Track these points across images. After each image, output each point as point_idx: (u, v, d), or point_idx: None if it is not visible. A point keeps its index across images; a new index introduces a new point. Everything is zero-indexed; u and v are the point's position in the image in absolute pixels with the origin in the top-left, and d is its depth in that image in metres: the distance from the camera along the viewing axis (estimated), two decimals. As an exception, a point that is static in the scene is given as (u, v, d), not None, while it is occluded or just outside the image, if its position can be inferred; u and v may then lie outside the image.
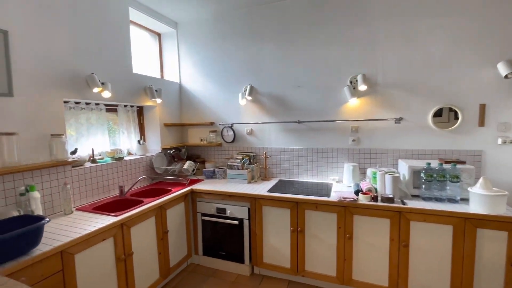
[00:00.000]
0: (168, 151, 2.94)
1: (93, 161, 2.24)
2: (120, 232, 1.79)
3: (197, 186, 2.57)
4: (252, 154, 2.87)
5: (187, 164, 2.76)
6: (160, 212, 2.17)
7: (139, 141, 2.76)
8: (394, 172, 2.10)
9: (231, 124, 2.99)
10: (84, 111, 2.28)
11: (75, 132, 2.22)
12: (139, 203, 2.12)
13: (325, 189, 2.36)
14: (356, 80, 2.45)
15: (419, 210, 1.82)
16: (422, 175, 1.97)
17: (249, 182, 2.66)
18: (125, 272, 1.83)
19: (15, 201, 1.67)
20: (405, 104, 2.35)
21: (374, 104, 2.45)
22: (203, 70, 3.11)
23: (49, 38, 1.84)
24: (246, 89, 2.84)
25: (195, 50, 3.13)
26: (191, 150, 3.26)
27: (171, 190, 2.45)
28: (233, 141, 3.00)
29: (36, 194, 1.69)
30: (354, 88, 2.47)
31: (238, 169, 2.66)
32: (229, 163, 2.72)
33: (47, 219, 1.39)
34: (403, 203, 1.90)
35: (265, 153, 2.81)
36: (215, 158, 3.14)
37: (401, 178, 2.09)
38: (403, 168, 2.14)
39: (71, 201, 1.92)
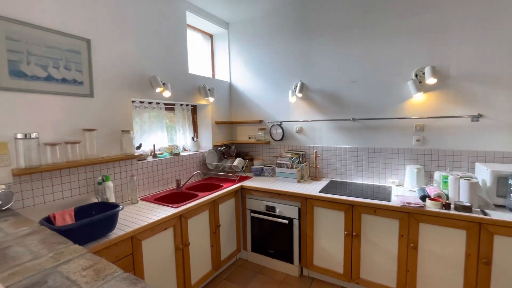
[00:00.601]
0: (219, 148, 3.04)
1: (154, 155, 2.43)
2: (179, 223, 1.91)
3: (246, 183, 2.61)
4: (301, 152, 2.80)
5: (237, 161, 2.82)
6: (213, 206, 2.25)
7: (193, 138, 2.92)
8: (471, 177, 1.82)
9: (280, 122, 2.96)
10: (146, 110, 2.48)
11: (139, 129, 2.43)
12: (194, 196, 2.23)
13: (383, 193, 2.18)
14: (423, 73, 2.20)
15: (507, 223, 1.54)
16: (510, 181, 1.67)
17: (299, 182, 2.60)
18: (182, 261, 1.94)
19: (94, 189, 1.89)
20: (486, 99, 2.03)
21: (445, 99, 2.17)
22: (253, 69, 3.14)
23: (121, 45, 2.04)
24: (296, 86, 2.78)
25: (246, 49, 3.17)
26: (239, 147, 3.32)
27: (222, 186, 2.53)
28: (281, 139, 2.96)
29: (110, 184, 1.89)
30: (420, 82, 2.22)
31: (287, 167, 2.62)
32: (278, 161, 2.70)
33: (121, 206, 1.55)
34: (484, 214, 1.64)
35: (316, 152, 2.71)
36: (263, 156, 3.15)
37: (481, 184, 1.81)
38: (483, 173, 1.85)
39: (137, 192, 2.11)
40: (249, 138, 3.20)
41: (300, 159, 2.75)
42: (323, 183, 2.54)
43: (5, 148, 1.47)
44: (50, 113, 1.65)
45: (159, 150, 2.59)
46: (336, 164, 2.69)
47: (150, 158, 2.38)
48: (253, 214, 2.55)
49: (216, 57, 3.42)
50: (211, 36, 3.39)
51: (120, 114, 2.06)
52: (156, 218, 1.74)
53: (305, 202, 2.25)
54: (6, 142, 1.47)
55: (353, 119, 2.54)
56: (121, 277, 0.71)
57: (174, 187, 2.51)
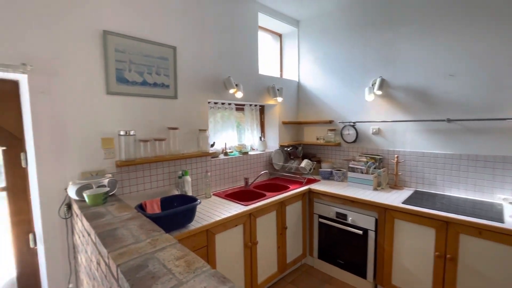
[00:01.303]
0: (285, 149, 3.00)
1: (226, 154, 2.55)
2: (248, 221, 1.94)
3: (314, 186, 2.49)
4: (378, 157, 2.52)
5: (305, 163, 2.72)
6: (280, 208, 2.22)
7: (260, 138, 2.95)
8: None
9: (353, 123, 2.73)
10: (219, 110, 2.62)
11: (213, 128, 2.59)
12: (262, 196, 2.24)
13: (490, 211, 1.76)
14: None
15: None
16: None
17: (375, 189, 2.34)
18: (250, 259, 1.97)
19: (175, 182, 2.09)
20: None
21: None
22: (324, 66, 2.99)
23: (200, 49, 2.19)
24: (375, 83, 2.51)
25: (316, 46, 3.04)
26: (306, 148, 3.22)
27: (289, 187, 2.48)
28: (354, 141, 2.73)
29: (188, 178, 2.05)
30: (552, 72, 1.72)
31: (362, 172, 2.39)
32: (350, 165, 2.49)
33: (199, 200, 1.65)
34: None
35: (397, 157, 2.40)
36: (333, 159, 2.97)
37: None
38: None
39: (210, 187, 2.24)
40: (317, 139, 3.06)
41: (377, 164, 2.48)
42: (405, 193, 2.23)
43: (112, 143, 1.74)
44: (143, 113, 1.89)
45: (230, 149, 2.71)
46: (422, 172, 2.32)
47: (221, 156, 2.50)
48: (321, 220, 2.41)
49: (284, 56, 3.39)
50: (280, 35, 3.37)
51: (198, 114, 2.22)
52: (228, 214, 1.81)
53: (384, 213, 2.00)
54: (112, 138, 1.74)
55: (448, 120, 2.14)
56: (209, 273, 0.73)
57: (243, 185, 2.58)
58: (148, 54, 1.88)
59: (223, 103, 2.62)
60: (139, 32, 1.82)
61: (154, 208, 1.68)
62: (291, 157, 2.99)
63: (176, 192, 2.01)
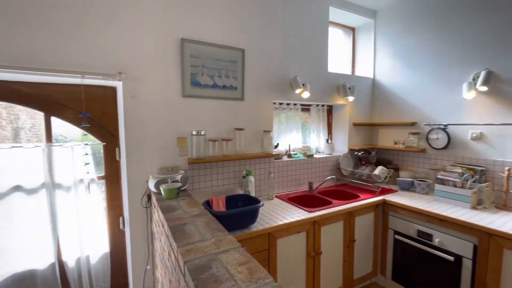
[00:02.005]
0: (355, 153, 2.73)
1: (289, 155, 2.48)
2: (312, 229, 1.82)
3: (390, 197, 2.18)
4: (480, 168, 2.03)
5: (379, 170, 2.42)
6: (348, 218, 2.02)
7: (327, 140, 2.77)
8: None
9: (445, 125, 2.28)
10: (284, 111, 2.57)
11: (277, 129, 2.55)
12: (328, 203, 2.08)
13: None
14: None
15: None
16: None
17: (474, 208, 1.89)
18: (313, 269, 1.85)
19: (239, 182, 2.13)
20: None
21: None
22: (406, 60, 2.60)
23: (267, 50, 2.18)
24: (477, 77, 2.04)
25: (397, 38, 2.67)
26: (381, 153, 2.86)
27: (359, 196, 2.24)
28: (445, 147, 2.28)
29: (252, 179, 2.06)
30: None
31: (455, 186, 1.97)
32: (439, 176, 2.08)
33: (262, 202, 1.63)
34: None
35: (509, 170, 1.88)
36: (415, 167, 2.55)
37: None
38: None
39: (273, 189, 2.21)
40: (395, 143, 2.68)
41: (478, 177, 2.00)
42: (520, 217, 1.73)
43: (185, 142, 1.89)
44: (212, 114, 1.98)
45: (294, 151, 2.62)
46: (549, 191, 1.76)
47: (285, 158, 2.44)
48: (397, 236, 2.09)
49: (357, 52, 3.10)
50: (353, 29, 3.10)
51: (263, 115, 2.21)
52: (291, 219, 1.73)
53: (488, 240, 1.59)
54: (185, 137, 1.89)
55: None
56: (272, 286, 0.67)
57: (306, 189, 2.46)
58: (219, 58, 1.97)
59: (288, 104, 2.56)
60: (211, 38, 1.92)
61: (220, 205, 1.74)
62: (362, 162, 2.71)
63: (240, 192, 2.04)
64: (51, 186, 1.66)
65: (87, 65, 1.55)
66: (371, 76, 2.94)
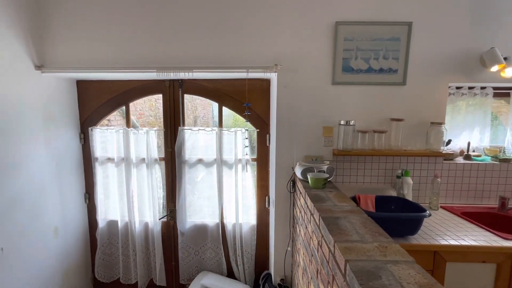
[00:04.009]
0: None
1: (467, 157, 1.86)
2: (509, 264, 1.28)
3: None
4: None
5: None
6: None
7: (539, 140, 1.87)
8: None
9: None
10: (464, 98, 1.93)
11: (450, 121, 1.96)
12: (540, 233, 1.39)
13: None
14: None
15: None
16: None
17: None
18: (503, 320, 1.31)
19: (391, 181, 1.82)
20: None
21: None
22: None
23: (444, 19, 1.68)
24: None
25: None
26: None
27: None
28: None
29: (409, 180, 1.70)
30: None
31: None
32: None
33: (428, 212, 1.30)
34: None
35: None
36: None
37: None
38: None
39: (438, 197, 1.74)
40: None
41: None
42: None
43: (331, 131, 1.80)
44: (364, 102, 1.77)
45: (475, 151, 1.95)
46: None
47: (459, 159, 1.86)
48: None
49: None
50: None
51: (432, 103, 1.76)
52: (472, 242, 1.28)
53: None
54: (332, 127, 1.80)
55: None
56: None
57: (494, 206, 1.77)
58: (377, 38, 1.71)
59: (471, 88, 1.90)
60: (368, 15, 1.69)
61: (368, 205, 1.55)
62: None
63: (393, 193, 1.74)
64: (220, 162, 2.06)
65: (250, 61, 1.76)
66: None
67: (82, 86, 2.09)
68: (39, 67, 1.75)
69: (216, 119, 2.14)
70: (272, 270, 2.02)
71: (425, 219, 1.55)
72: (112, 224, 2.18)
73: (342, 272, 0.74)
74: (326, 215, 1.03)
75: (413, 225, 1.29)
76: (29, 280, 1.71)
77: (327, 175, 1.45)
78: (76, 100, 2.09)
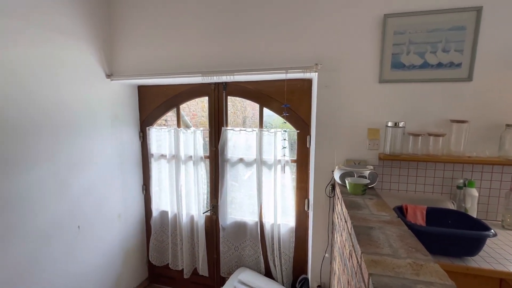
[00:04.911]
0: None
1: (559, 168, 1.50)
2: None
3: None
4: None
5: None
6: None
7: None
8: None
9: None
10: (557, 94, 1.56)
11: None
12: None
13: None
14: None
15: None
16: None
17: None
18: None
19: (450, 192, 1.59)
20: None
21: None
22: None
23: (531, -3, 1.38)
24: None
25: None
26: None
27: None
28: None
29: (474, 192, 1.46)
30: None
31: None
32: None
33: (493, 232, 1.10)
34: None
35: None
36: None
37: None
38: None
39: (514, 215, 1.44)
40: None
41: None
42: None
43: (377, 134, 1.66)
44: (417, 101, 1.58)
45: None
46: None
47: (548, 171, 1.51)
48: None
49: None
50: None
51: (507, 102, 1.47)
52: (556, 275, 1.03)
53: None
54: (378, 129, 1.66)
55: None
56: None
57: None
58: (435, 29, 1.51)
59: None
60: (422, 4, 1.51)
61: (417, 216, 1.39)
62: None
63: (451, 206, 1.52)
64: (260, 162, 2.09)
65: (290, 61, 1.74)
66: None
67: (142, 91, 2.38)
68: (109, 75, 2.06)
69: (265, 119, 2.18)
70: (309, 275, 1.97)
71: (491, 240, 1.31)
72: (164, 214, 2.43)
73: (365, 286, 0.69)
74: (358, 224, 0.96)
75: (472, 245, 1.11)
76: (99, 254, 2.03)
77: (367, 181, 1.35)
78: (137, 102, 2.39)
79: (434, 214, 1.38)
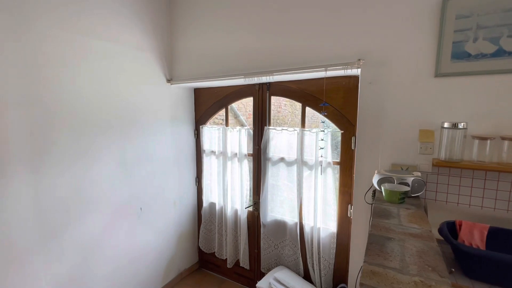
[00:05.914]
0: None
1: None
2: None
3: None
4: None
5: None
6: None
7: None
8: None
9: None
10: None
11: None
12: None
13: None
14: None
15: None
16: None
17: None
18: None
19: (533, 212, 1.26)
20: None
21: None
22: None
23: None
24: None
25: None
26: None
27: None
28: None
29: None
30: None
31: None
32: None
33: None
34: None
35: None
36: None
37: None
38: None
39: None
40: None
41: None
42: None
43: (432, 136, 1.45)
44: (485, 98, 1.31)
45: None
46: None
47: None
48: None
49: None
50: None
51: None
52: None
53: None
54: (432, 131, 1.44)
55: None
56: None
57: None
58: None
59: None
60: (501, -22, 1.23)
61: (474, 236, 1.15)
62: None
63: (529, 229, 1.20)
64: (300, 162, 2.07)
65: (331, 57, 1.67)
66: None
67: (197, 93, 2.65)
68: (169, 80, 2.38)
69: (319, 119, 2.13)
70: (349, 284, 1.85)
71: None
72: (212, 205, 2.65)
73: (358, 297, 0.64)
74: (377, 233, 0.88)
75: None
76: (157, 234, 2.37)
77: (407, 189, 1.19)
78: (193, 103, 2.67)
79: (500, 236, 1.12)
